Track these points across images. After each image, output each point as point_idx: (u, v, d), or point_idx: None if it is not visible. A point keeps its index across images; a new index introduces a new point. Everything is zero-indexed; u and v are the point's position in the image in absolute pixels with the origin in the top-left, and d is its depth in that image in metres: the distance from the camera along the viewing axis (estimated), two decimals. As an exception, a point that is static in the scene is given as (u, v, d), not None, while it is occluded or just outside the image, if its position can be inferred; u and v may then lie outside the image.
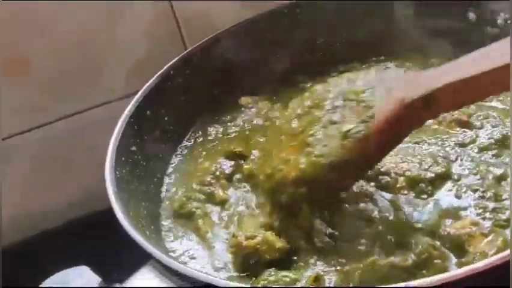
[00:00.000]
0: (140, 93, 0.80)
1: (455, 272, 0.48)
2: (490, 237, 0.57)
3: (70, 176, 0.92)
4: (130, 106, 0.77)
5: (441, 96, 0.55)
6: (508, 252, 0.47)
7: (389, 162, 0.68)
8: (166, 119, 0.82)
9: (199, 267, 0.64)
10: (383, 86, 0.61)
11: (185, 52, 0.87)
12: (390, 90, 0.60)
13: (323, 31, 0.90)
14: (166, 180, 0.78)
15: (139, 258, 0.58)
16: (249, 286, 0.52)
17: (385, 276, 0.55)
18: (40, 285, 0.53)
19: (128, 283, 0.54)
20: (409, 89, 0.58)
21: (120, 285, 0.54)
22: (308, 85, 0.86)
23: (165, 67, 0.83)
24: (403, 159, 0.68)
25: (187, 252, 0.67)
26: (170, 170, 0.80)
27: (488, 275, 0.46)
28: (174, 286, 0.54)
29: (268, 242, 0.62)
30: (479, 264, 0.47)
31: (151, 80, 0.81)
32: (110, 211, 0.63)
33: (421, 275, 0.54)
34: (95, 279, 0.53)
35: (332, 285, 0.57)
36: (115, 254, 0.64)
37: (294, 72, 0.90)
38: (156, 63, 0.85)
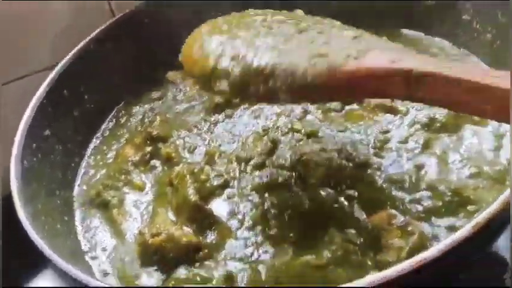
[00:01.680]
0: (54, 71, 0.75)
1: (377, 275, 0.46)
2: (407, 229, 0.55)
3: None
4: (42, 86, 0.73)
5: (433, 83, 0.49)
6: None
7: (309, 150, 0.66)
8: (86, 97, 0.78)
9: (108, 262, 0.61)
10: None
11: (109, 23, 0.82)
12: (383, 50, 0.53)
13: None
14: (85, 162, 0.75)
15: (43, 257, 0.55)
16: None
17: (300, 275, 0.54)
18: None
19: (28, 285, 0.52)
20: (411, 60, 0.50)
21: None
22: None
23: (83, 41, 0.78)
24: (322, 148, 0.66)
25: (100, 244, 0.65)
26: (89, 151, 0.76)
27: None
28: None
29: (173, 239, 0.60)
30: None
31: (68, 57, 0.77)
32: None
33: (336, 273, 0.53)
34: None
35: (244, 285, 0.55)
36: (17, 251, 0.61)
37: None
38: (81, 35, 0.80)
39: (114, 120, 0.80)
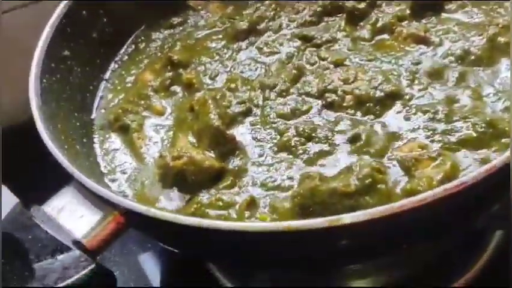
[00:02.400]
0: (74, -10, 0.72)
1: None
2: (437, 161, 0.54)
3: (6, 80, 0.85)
4: (61, 5, 0.70)
5: None
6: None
7: (337, 79, 0.64)
8: (105, 20, 0.75)
9: (127, 184, 0.60)
10: None
11: None
12: None
13: None
14: (103, 85, 0.73)
15: (63, 177, 0.54)
16: (167, 215, 0.48)
17: (326, 202, 0.52)
18: None
19: (47, 205, 0.50)
20: None
21: (38, 207, 0.51)
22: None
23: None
24: (352, 76, 0.63)
25: (119, 167, 0.64)
26: (108, 75, 0.74)
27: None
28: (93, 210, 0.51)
29: (195, 162, 0.58)
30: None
31: (88, -24, 0.74)
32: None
33: (364, 201, 0.51)
34: (11, 199, 0.49)
35: (266, 211, 0.54)
36: (37, 172, 0.59)
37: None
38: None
39: (133, 45, 0.78)
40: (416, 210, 0.43)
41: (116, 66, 0.76)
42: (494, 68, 0.63)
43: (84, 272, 0.45)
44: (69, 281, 0.44)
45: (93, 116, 0.70)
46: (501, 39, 0.64)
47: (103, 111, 0.70)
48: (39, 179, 0.59)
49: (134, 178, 0.62)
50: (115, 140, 0.66)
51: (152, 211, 0.47)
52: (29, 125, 0.59)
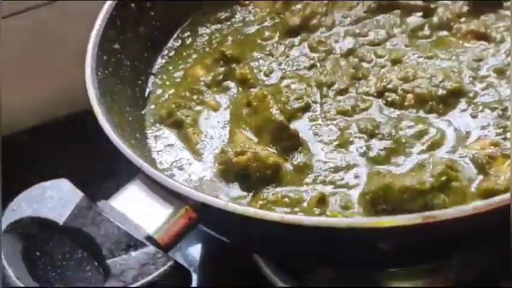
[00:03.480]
0: (123, -18, 0.70)
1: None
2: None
3: (48, 71, 0.83)
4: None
5: None
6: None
7: (396, 78, 0.62)
8: (152, 14, 0.74)
9: (184, 180, 0.58)
10: None
11: None
12: None
13: None
14: (151, 80, 0.71)
15: (126, 170, 0.52)
16: (249, 209, 0.46)
17: (398, 200, 0.50)
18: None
19: (115, 199, 0.49)
20: None
21: (105, 201, 0.49)
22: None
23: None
24: (412, 74, 0.62)
25: (175, 163, 0.62)
26: (155, 70, 0.72)
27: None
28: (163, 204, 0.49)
29: (259, 158, 0.56)
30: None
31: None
32: (92, 113, 0.57)
33: (439, 199, 0.50)
34: (76, 193, 0.48)
35: (337, 208, 0.52)
36: (98, 164, 0.58)
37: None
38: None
39: (179, 40, 0.76)
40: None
41: (163, 61, 0.74)
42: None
43: (163, 268, 0.43)
44: (149, 278, 0.42)
45: (143, 111, 0.68)
46: None
47: (152, 106, 0.68)
48: (101, 173, 0.57)
49: (192, 174, 0.60)
50: (169, 136, 0.64)
51: (231, 206, 0.45)
52: (81, 118, 0.57)
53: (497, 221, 0.45)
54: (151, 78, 0.72)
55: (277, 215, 0.44)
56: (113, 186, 0.51)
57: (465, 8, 0.69)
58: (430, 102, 0.60)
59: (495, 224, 0.45)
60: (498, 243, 0.54)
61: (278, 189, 0.56)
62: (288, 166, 0.57)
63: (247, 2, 0.78)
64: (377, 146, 0.58)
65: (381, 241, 0.44)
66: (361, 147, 0.58)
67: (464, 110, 0.60)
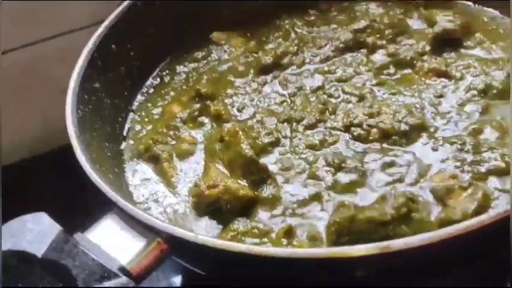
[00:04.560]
0: (104, 25, 0.74)
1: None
2: (469, 191, 0.55)
3: (29, 108, 0.86)
4: (93, 39, 0.72)
5: None
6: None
7: (362, 113, 0.66)
8: (132, 54, 0.77)
9: (160, 213, 0.61)
10: None
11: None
12: None
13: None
14: (131, 116, 0.74)
15: (102, 204, 0.55)
16: (217, 241, 0.49)
17: (362, 231, 0.53)
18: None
19: (91, 232, 0.51)
20: None
21: (81, 234, 0.51)
22: (286, 22, 0.82)
23: (134, -3, 0.78)
24: (377, 110, 0.65)
25: (151, 196, 0.65)
26: (135, 107, 0.76)
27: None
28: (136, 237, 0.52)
29: (231, 191, 0.59)
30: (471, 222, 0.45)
31: (116, 11, 0.76)
32: (71, 149, 0.60)
33: (400, 230, 0.53)
34: (54, 227, 0.50)
35: (304, 239, 0.55)
36: (76, 198, 0.60)
37: (269, 7, 0.85)
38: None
39: (158, 78, 0.79)
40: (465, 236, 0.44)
41: (143, 98, 0.77)
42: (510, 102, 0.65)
43: (134, 297, 0.45)
44: (121, 307, 0.44)
45: (122, 146, 0.71)
46: (521, 74, 0.67)
47: (131, 142, 0.71)
48: (78, 207, 0.59)
49: (167, 207, 0.63)
50: (146, 170, 0.67)
51: (200, 238, 0.48)
52: (60, 154, 0.60)
53: (455, 249, 0.48)
54: (130, 115, 0.75)
55: (244, 246, 0.47)
56: (90, 220, 0.53)
57: (427, 48, 0.73)
58: (394, 137, 0.64)
59: (455, 251, 0.48)
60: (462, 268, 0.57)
61: (248, 220, 0.58)
62: (258, 198, 0.60)
63: (222, 41, 0.81)
64: (343, 179, 0.61)
65: (344, 270, 0.47)
66: (328, 180, 0.61)
67: (425, 144, 0.63)
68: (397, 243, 0.45)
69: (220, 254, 0.48)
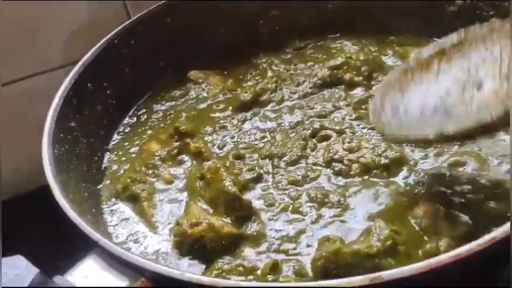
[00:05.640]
0: (80, 63, 0.74)
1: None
2: (452, 221, 0.56)
3: (3, 150, 0.84)
4: (69, 78, 0.71)
5: None
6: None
7: (342, 148, 0.66)
8: (108, 92, 0.77)
9: (140, 253, 0.60)
10: None
11: (130, 21, 0.81)
12: None
13: (277, 3, 0.86)
14: (107, 156, 0.73)
15: (80, 245, 0.53)
16: (203, 278, 0.47)
17: (349, 264, 0.52)
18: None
19: (71, 274, 0.49)
20: None
21: (61, 276, 0.49)
22: (263, 60, 0.83)
23: (108, 36, 0.78)
24: (356, 145, 0.65)
25: (131, 236, 0.63)
26: (111, 146, 0.74)
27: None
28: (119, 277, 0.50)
29: (214, 228, 0.58)
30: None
31: (93, 50, 0.75)
32: (46, 191, 0.58)
33: (386, 262, 0.52)
34: (31, 269, 0.48)
35: (290, 274, 0.54)
36: (52, 241, 0.58)
37: (246, 46, 0.85)
38: (97, 33, 0.78)
39: (135, 117, 0.79)
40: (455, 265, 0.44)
41: (119, 137, 0.76)
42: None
43: None
44: None
45: (99, 186, 0.69)
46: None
47: (108, 181, 0.70)
48: (55, 249, 0.57)
49: (148, 246, 0.61)
50: (125, 210, 0.66)
51: (187, 275, 0.46)
52: (34, 196, 0.58)
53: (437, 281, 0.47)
54: (107, 154, 0.73)
55: (232, 282, 0.46)
56: (68, 262, 0.51)
57: (404, 82, 0.74)
58: (374, 171, 0.64)
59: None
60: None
61: (232, 258, 0.57)
62: (243, 236, 0.59)
63: (200, 80, 0.81)
64: (327, 213, 0.60)
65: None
66: (312, 216, 0.60)
67: (406, 177, 0.63)
68: (387, 274, 0.45)
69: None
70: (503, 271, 0.51)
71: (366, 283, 0.44)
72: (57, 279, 0.49)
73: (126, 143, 0.75)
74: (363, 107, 0.73)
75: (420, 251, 0.55)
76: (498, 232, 0.47)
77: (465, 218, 0.57)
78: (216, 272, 0.56)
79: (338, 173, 0.64)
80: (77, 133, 0.70)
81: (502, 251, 0.48)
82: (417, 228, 0.57)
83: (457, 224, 0.56)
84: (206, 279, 0.47)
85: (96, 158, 0.72)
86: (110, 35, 0.77)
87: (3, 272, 0.47)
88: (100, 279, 0.49)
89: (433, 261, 0.45)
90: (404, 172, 0.63)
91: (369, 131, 0.69)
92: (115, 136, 0.76)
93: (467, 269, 0.47)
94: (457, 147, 0.65)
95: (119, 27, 0.78)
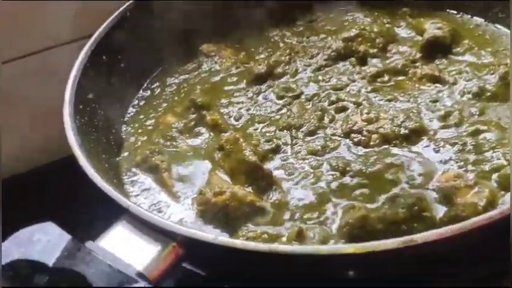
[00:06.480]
0: (95, 36, 0.73)
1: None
2: (476, 189, 0.56)
3: (25, 122, 0.83)
4: (85, 49, 0.71)
5: None
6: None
7: (360, 119, 0.66)
8: (122, 65, 0.76)
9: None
10: None
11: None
12: None
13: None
14: (124, 128, 0.73)
15: (109, 212, 0.53)
16: (236, 242, 0.48)
17: (375, 230, 0.53)
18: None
19: (102, 240, 0.49)
20: None
21: (93, 242, 0.50)
22: (275, 33, 0.82)
23: (120, 9, 0.77)
24: (375, 116, 0.66)
25: (153, 206, 0.63)
26: (127, 119, 0.74)
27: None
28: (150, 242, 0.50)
29: (238, 197, 0.59)
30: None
31: (106, 23, 0.75)
32: (72, 160, 0.58)
33: (413, 228, 0.53)
34: (64, 236, 0.48)
35: (316, 242, 0.54)
36: (82, 207, 0.58)
37: (257, 20, 0.85)
38: (105, 7, 0.78)
39: (148, 90, 0.79)
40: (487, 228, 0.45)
41: (134, 110, 0.76)
42: (509, 103, 0.67)
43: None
44: (143, 312, 0.43)
45: (118, 158, 0.69)
46: (512, 77, 0.69)
47: (127, 153, 0.70)
48: (84, 217, 0.57)
49: (173, 217, 0.61)
50: (145, 181, 0.66)
51: (220, 239, 0.47)
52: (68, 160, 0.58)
53: (469, 244, 0.48)
54: (124, 127, 0.73)
55: (264, 245, 0.46)
56: (97, 229, 0.52)
57: (418, 55, 0.75)
58: (394, 141, 0.64)
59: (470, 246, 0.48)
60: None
61: (256, 226, 0.57)
62: (265, 204, 0.59)
63: (212, 53, 0.81)
64: (350, 182, 0.61)
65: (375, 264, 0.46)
66: (334, 184, 0.61)
67: (426, 146, 0.63)
68: (420, 236, 0.45)
69: (240, 254, 0.47)
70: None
71: (398, 246, 0.44)
72: (89, 245, 0.49)
73: (141, 116, 0.75)
74: (379, 80, 0.73)
75: (445, 218, 0.55)
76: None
77: (489, 185, 0.57)
78: (241, 239, 0.56)
79: (357, 144, 0.65)
80: (95, 105, 0.69)
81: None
82: (440, 195, 0.57)
83: (481, 191, 0.56)
84: (239, 243, 0.47)
85: (114, 131, 0.72)
86: (121, 8, 0.77)
87: (37, 239, 0.48)
88: (131, 245, 0.50)
89: (468, 223, 0.45)
90: (424, 142, 0.64)
91: (386, 102, 0.70)
92: (130, 109, 0.76)
93: (500, 232, 0.48)
94: (476, 117, 0.65)
95: (129, 2, 0.78)
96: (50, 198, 0.55)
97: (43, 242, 0.48)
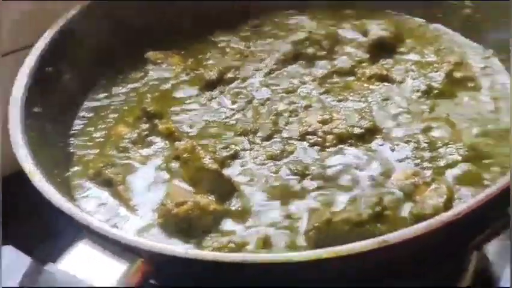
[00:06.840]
0: (36, 47, 0.70)
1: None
2: (433, 185, 0.57)
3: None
4: (28, 61, 0.68)
5: None
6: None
7: (315, 121, 0.66)
8: (67, 76, 0.74)
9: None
10: None
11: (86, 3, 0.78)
12: None
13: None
14: (74, 142, 0.70)
15: (68, 229, 0.51)
16: (208, 254, 0.47)
17: (340, 233, 0.53)
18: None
19: (63, 262, 0.47)
20: None
21: (52, 264, 0.47)
22: (220, 38, 0.82)
23: (63, 17, 0.74)
24: (328, 117, 0.66)
25: (110, 221, 0.61)
26: (75, 131, 0.72)
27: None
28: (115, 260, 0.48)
29: (200, 206, 0.58)
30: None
31: (47, 32, 0.73)
32: (23, 176, 0.55)
33: (376, 228, 0.53)
34: (24, 259, 0.46)
35: (283, 249, 0.54)
36: (41, 228, 0.55)
37: (202, 25, 0.84)
38: (45, 18, 0.75)
39: (95, 101, 0.76)
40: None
41: (82, 122, 0.73)
42: (456, 100, 0.69)
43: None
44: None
45: (69, 173, 0.67)
46: (456, 74, 0.71)
47: (77, 168, 0.67)
48: (39, 238, 0.55)
49: (128, 231, 0.59)
50: (100, 195, 0.64)
51: (191, 252, 0.45)
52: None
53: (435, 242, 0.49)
54: (72, 140, 0.71)
55: (238, 255, 0.45)
56: (56, 250, 0.49)
57: (365, 56, 0.76)
58: (349, 141, 0.65)
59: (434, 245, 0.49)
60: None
61: (220, 235, 0.57)
62: (228, 212, 0.59)
63: (159, 61, 0.79)
64: (310, 185, 0.61)
65: (345, 268, 0.47)
66: (295, 189, 0.61)
67: (381, 145, 0.64)
68: (393, 236, 0.46)
69: (210, 267, 0.46)
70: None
71: (375, 247, 0.45)
72: (50, 268, 0.47)
73: (90, 128, 0.72)
74: (328, 81, 0.74)
75: (407, 216, 0.56)
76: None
77: (446, 181, 0.58)
78: (208, 250, 0.55)
79: (313, 145, 0.65)
80: (41, 118, 0.67)
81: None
82: (401, 193, 0.58)
83: (438, 187, 0.58)
84: (210, 255, 0.46)
85: (62, 144, 0.69)
86: (66, 17, 0.74)
87: (-4, 263, 0.45)
88: (95, 264, 0.48)
89: (436, 220, 0.46)
90: (378, 140, 0.65)
91: (338, 102, 0.70)
92: (78, 121, 0.73)
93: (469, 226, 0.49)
94: (426, 113, 0.67)
95: (73, 11, 0.75)
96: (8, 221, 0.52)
97: (4, 266, 0.45)
